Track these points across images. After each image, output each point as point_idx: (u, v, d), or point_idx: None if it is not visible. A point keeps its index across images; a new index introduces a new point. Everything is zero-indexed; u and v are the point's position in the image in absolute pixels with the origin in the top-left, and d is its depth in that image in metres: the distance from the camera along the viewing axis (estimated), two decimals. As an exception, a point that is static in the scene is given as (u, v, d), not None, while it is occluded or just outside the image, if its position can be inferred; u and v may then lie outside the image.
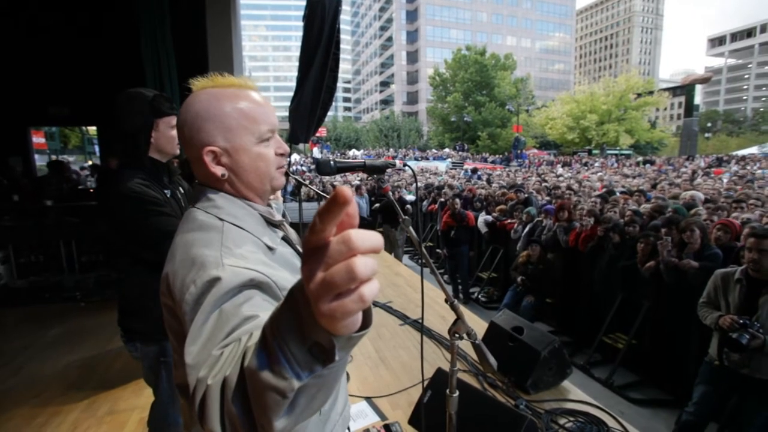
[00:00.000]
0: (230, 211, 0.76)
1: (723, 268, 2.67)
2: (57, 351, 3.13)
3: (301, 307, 0.40)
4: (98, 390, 2.55)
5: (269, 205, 0.88)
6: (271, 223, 0.84)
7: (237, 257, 0.67)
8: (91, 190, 6.30)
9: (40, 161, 9.15)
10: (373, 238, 0.36)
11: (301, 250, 0.92)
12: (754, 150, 29.07)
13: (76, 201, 5.23)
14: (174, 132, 1.55)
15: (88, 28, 5.00)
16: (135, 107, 1.47)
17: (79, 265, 4.64)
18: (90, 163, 13.73)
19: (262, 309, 0.60)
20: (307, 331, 0.40)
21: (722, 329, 2.32)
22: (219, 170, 0.76)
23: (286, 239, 0.87)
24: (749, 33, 74.00)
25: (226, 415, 0.49)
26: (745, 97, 73.37)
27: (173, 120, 1.54)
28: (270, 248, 0.78)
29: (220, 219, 0.74)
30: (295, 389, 0.42)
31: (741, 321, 2.22)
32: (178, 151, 1.59)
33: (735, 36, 76.59)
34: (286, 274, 0.74)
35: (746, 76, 74.98)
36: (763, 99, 61.32)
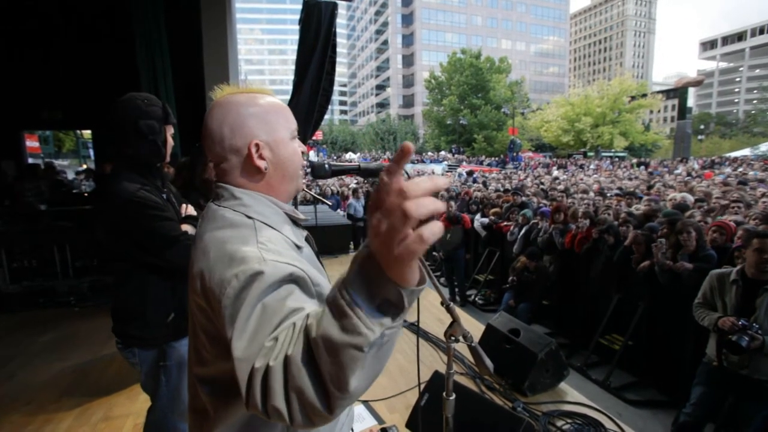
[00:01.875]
0: (258, 209, 0.78)
1: (717, 269, 2.68)
2: (50, 357, 3.09)
3: (369, 269, 0.47)
4: (92, 396, 2.52)
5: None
6: (296, 223, 0.86)
7: (274, 253, 0.69)
8: (86, 194, 6.25)
9: (33, 165, 9.03)
10: (426, 181, 0.42)
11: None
12: (746, 152, 29.37)
13: (70, 205, 5.19)
14: (171, 140, 1.57)
15: (82, 32, 4.98)
16: (152, 111, 1.48)
17: (73, 269, 4.59)
18: (84, 167, 13.66)
19: (304, 302, 0.64)
20: (375, 290, 0.48)
21: (722, 331, 2.32)
22: (262, 164, 0.79)
23: (308, 239, 0.89)
24: (740, 37, 74.92)
25: (291, 390, 0.52)
26: (736, 100, 74.17)
27: (171, 128, 1.57)
28: (298, 246, 0.80)
29: (249, 217, 0.76)
30: (371, 342, 0.48)
31: (741, 323, 2.22)
32: (168, 157, 1.60)
33: (726, 40, 77.50)
34: (315, 271, 0.76)
35: (737, 79, 75.82)
36: (754, 101, 62.02)
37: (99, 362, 2.98)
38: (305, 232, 0.89)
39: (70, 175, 10.83)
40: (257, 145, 0.78)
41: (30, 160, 7.20)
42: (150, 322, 1.49)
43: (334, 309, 0.49)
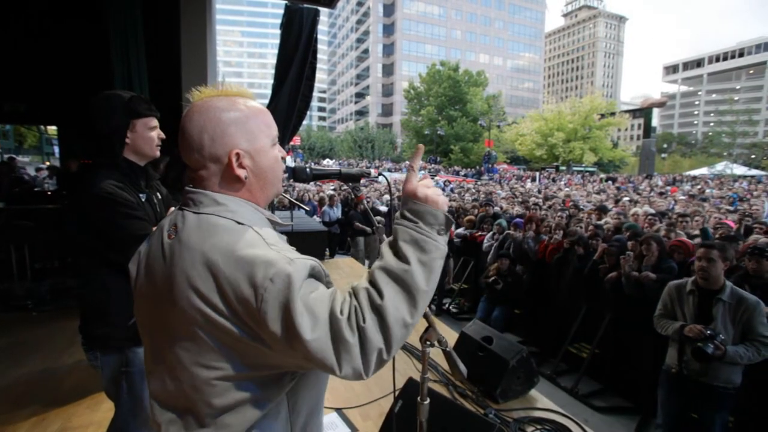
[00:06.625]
0: (245, 215, 0.77)
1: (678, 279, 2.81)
2: (2, 364, 2.89)
3: (425, 212, 0.74)
4: (49, 406, 2.37)
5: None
6: (274, 228, 0.86)
7: (288, 251, 0.72)
8: (49, 193, 5.96)
9: (-9, 161, 8.58)
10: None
11: None
12: (704, 171, 31.17)
13: (31, 203, 4.93)
14: (152, 134, 1.51)
15: (53, 22, 4.77)
16: (110, 108, 1.44)
17: (31, 272, 4.35)
18: (48, 164, 13.01)
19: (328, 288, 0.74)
20: (431, 221, 0.74)
21: (687, 338, 2.39)
22: (242, 172, 0.78)
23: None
24: (699, 63, 79.81)
25: (392, 340, 0.66)
26: (695, 122, 78.58)
27: (151, 121, 1.51)
28: None
29: (240, 223, 0.74)
30: (446, 250, 0.75)
31: (708, 332, 2.30)
32: (157, 154, 1.55)
33: (687, 65, 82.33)
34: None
35: (696, 103, 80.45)
36: (711, 124, 65.87)
37: (58, 370, 2.82)
38: (285, 237, 0.89)
39: (31, 173, 10.30)
40: (237, 155, 0.77)
41: (-12, 155, 6.80)
42: (112, 322, 1.44)
43: (414, 248, 0.71)
